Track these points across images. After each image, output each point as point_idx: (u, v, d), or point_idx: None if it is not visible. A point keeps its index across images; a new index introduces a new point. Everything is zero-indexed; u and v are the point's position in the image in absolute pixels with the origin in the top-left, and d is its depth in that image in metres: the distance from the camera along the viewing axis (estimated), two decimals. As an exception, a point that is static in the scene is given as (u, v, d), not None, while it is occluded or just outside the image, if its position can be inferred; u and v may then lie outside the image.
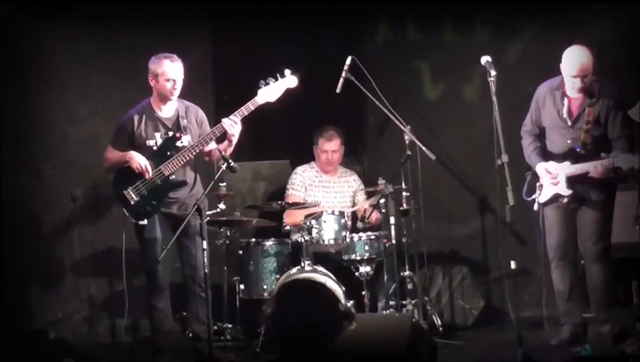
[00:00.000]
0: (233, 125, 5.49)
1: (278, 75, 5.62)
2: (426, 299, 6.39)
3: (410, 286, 6.22)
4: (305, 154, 6.82)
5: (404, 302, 6.13)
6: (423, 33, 7.08)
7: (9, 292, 6.27)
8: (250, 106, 5.56)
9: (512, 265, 5.15)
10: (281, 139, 7.06)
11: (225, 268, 6.18)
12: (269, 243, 6.17)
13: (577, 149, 5.49)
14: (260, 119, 6.33)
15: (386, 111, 6.14)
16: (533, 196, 5.62)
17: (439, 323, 6.20)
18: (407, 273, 6.24)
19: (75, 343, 5.98)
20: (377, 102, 6.10)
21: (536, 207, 5.65)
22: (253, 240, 6.27)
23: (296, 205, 6.25)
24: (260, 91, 5.59)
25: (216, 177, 5.34)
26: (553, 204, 5.63)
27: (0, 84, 6.40)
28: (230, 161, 5.32)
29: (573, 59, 5.46)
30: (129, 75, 6.74)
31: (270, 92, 5.59)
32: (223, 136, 5.63)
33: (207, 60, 7.00)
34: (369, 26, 7.22)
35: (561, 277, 5.71)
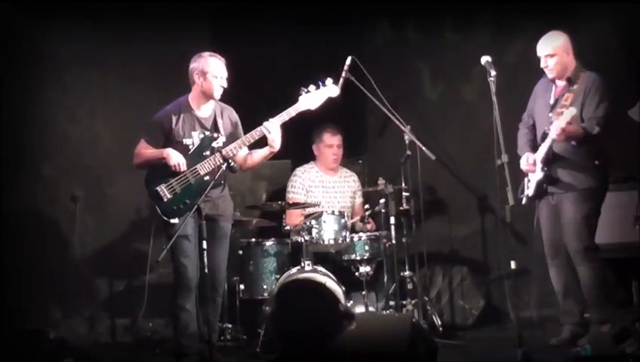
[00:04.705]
0: (272, 129, 5.40)
1: (320, 83, 5.55)
2: (426, 299, 6.40)
3: (410, 286, 6.23)
4: (305, 154, 6.83)
5: (404, 302, 6.14)
6: (423, 33, 7.09)
7: (9, 292, 6.27)
8: (291, 112, 5.47)
9: (512, 265, 5.14)
10: (282, 139, 7.05)
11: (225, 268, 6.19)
12: (269, 243, 6.17)
13: (546, 131, 5.48)
14: (259, 120, 6.34)
15: (386, 111, 6.14)
16: (525, 193, 5.62)
17: (439, 323, 6.20)
18: (407, 273, 6.25)
19: (75, 343, 5.98)
20: (377, 102, 6.11)
21: (524, 201, 5.64)
22: (253, 240, 6.28)
23: (296, 205, 6.26)
24: (301, 98, 5.51)
25: (216, 177, 5.32)
26: (543, 202, 5.63)
27: (0, 84, 6.40)
28: (230, 161, 5.30)
29: (541, 41, 5.57)
30: (129, 75, 6.75)
31: (311, 99, 5.52)
32: (257, 144, 5.56)
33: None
34: (369, 26, 7.22)
35: (555, 277, 5.70)
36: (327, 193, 6.71)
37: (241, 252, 6.18)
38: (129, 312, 6.53)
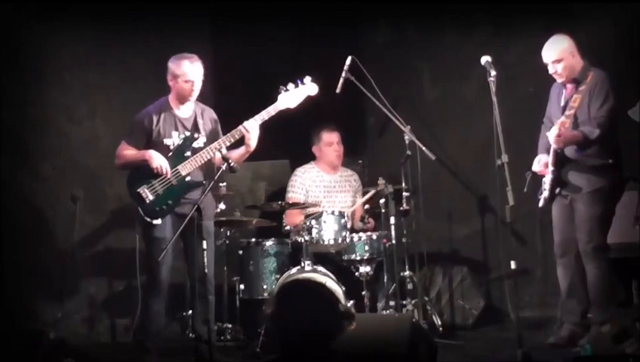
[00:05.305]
0: (252, 129, 5.44)
1: (298, 82, 5.59)
2: (426, 299, 6.39)
3: (410, 286, 6.23)
4: (305, 154, 6.82)
5: (404, 302, 6.14)
6: (423, 33, 7.08)
7: (9, 292, 6.27)
8: (270, 111, 5.52)
9: (512, 265, 5.14)
10: (281, 139, 7.06)
11: (225, 268, 6.19)
12: (269, 243, 6.17)
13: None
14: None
15: (386, 111, 6.14)
16: (543, 195, 5.64)
17: (439, 323, 6.20)
18: (407, 273, 6.24)
19: (75, 343, 5.98)
20: (377, 102, 6.11)
21: (541, 203, 5.66)
22: (253, 240, 6.28)
23: (296, 205, 6.26)
24: (280, 97, 5.55)
25: (216, 177, 5.32)
26: (557, 201, 5.65)
27: (0, 84, 6.40)
28: (230, 161, 5.32)
29: (546, 47, 5.55)
30: (129, 75, 6.75)
31: (290, 98, 5.56)
32: (237, 143, 5.58)
33: (207, 61, 6.99)
34: (369, 26, 7.22)
35: (562, 274, 5.72)
36: (328, 193, 6.71)
37: (241, 252, 6.18)
38: (129, 312, 6.52)
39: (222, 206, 6.15)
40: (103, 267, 6.71)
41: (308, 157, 6.81)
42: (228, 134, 5.50)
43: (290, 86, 5.57)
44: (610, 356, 4.76)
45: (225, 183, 6.13)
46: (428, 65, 7.18)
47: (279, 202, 6.18)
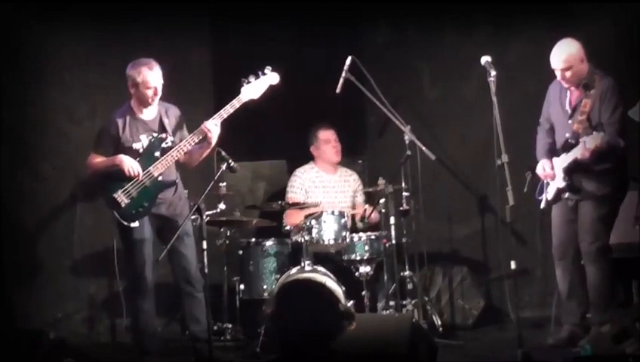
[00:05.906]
0: (212, 128, 5.49)
1: (259, 73, 5.66)
2: (426, 299, 6.39)
3: (410, 286, 6.23)
4: (304, 155, 6.82)
5: (404, 302, 6.14)
6: (423, 33, 7.08)
7: (9, 292, 6.27)
8: (235, 104, 5.59)
9: (512, 265, 5.15)
10: (281, 139, 7.06)
11: (225, 268, 6.19)
12: (269, 243, 6.17)
13: (569, 140, 5.48)
14: (260, 119, 6.34)
15: (386, 111, 6.14)
16: (543, 195, 5.63)
17: (439, 323, 6.20)
18: (407, 273, 6.24)
19: (75, 343, 5.98)
20: (377, 102, 6.11)
21: (543, 205, 5.66)
22: (253, 240, 6.28)
23: (296, 205, 6.26)
24: (242, 89, 5.62)
25: (216, 177, 5.33)
26: (558, 203, 5.64)
27: (0, 84, 6.40)
28: (230, 161, 5.32)
29: (555, 52, 5.51)
30: (129, 75, 6.74)
31: (253, 89, 5.63)
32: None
33: (207, 60, 7.00)
34: (369, 26, 7.22)
35: (561, 276, 5.72)
36: (327, 193, 6.70)
37: (241, 252, 6.18)
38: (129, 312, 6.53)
39: (222, 206, 6.15)
40: (102, 267, 6.69)
41: (306, 157, 6.81)
42: (192, 134, 5.55)
43: (252, 78, 5.64)
44: (610, 356, 4.76)
45: (225, 183, 6.13)
46: (428, 65, 7.18)
47: (279, 202, 6.19)
